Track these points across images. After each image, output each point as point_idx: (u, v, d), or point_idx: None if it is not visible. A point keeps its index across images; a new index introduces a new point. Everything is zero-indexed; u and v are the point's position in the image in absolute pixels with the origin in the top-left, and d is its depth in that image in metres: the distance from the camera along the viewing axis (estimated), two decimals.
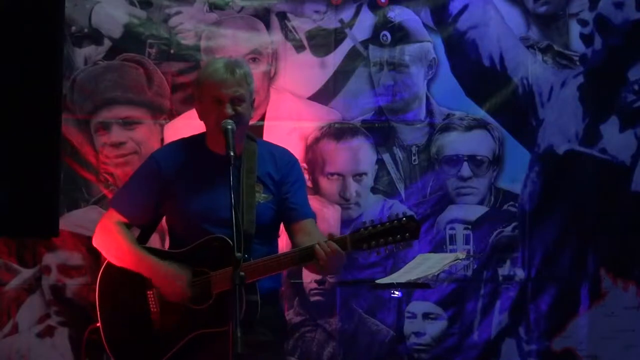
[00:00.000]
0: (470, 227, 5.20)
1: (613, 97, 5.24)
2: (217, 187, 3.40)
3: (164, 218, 3.62)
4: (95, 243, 3.59)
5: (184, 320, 3.40)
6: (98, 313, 3.53)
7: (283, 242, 3.72)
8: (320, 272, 3.46)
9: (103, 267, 3.56)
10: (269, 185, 3.50)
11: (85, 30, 5.06)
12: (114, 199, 3.69)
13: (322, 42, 5.18)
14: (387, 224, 3.29)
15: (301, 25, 5.17)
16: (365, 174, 5.18)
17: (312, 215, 3.61)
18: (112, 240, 3.52)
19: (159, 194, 3.50)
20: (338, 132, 5.18)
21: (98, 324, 3.52)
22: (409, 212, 3.41)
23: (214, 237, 3.38)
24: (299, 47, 5.17)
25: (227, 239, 3.29)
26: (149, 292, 3.45)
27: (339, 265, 3.37)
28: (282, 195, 3.52)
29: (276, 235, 3.61)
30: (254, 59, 5.12)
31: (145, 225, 3.62)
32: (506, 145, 5.23)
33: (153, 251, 3.53)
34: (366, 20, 5.20)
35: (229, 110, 3.38)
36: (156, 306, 3.44)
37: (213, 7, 5.14)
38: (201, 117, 3.51)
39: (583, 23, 5.25)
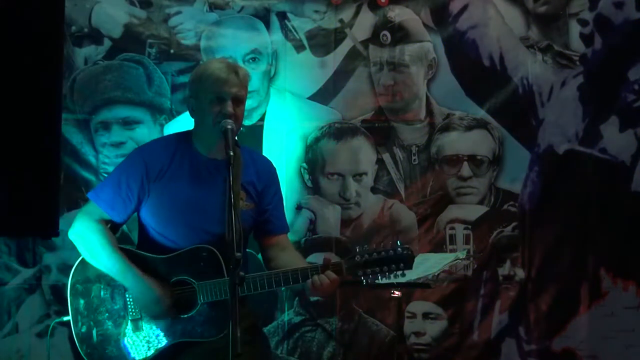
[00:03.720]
0: (470, 227, 5.20)
1: (613, 97, 5.23)
2: (200, 188, 3.39)
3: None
4: (72, 237, 3.48)
5: (166, 327, 3.38)
6: (69, 308, 3.46)
7: None
8: (313, 294, 3.47)
9: (78, 261, 3.48)
10: (252, 194, 3.48)
11: (85, 30, 5.06)
12: (96, 192, 3.53)
13: (322, 42, 5.18)
14: (383, 252, 3.31)
15: (301, 25, 5.17)
16: (365, 173, 5.18)
17: (288, 229, 3.63)
18: (94, 242, 3.43)
19: (142, 191, 3.44)
20: (338, 132, 5.18)
21: (65, 318, 3.48)
22: (405, 245, 3.39)
23: (202, 247, 3.35)
24: (299, 47, 5.17)
25: (216, 251, 3.29)
26: (128, 295, 3.43)
27: (332, 292, 3.39)
28: (262, 205, 3.50)
29: (247, 244, 3.56)
30: (254, 59, 5.12)
31: (120, 222, 3.52)
32: (506, 145, 5.23)
33: (137, 257, 3.45)
34: (366, 20, 5.20)
35: (230, 109, 3.35)
36: (136, 310, 3.42)
37: (213, 7, 5.14)
38: (194, 114, 3.46)
39: (583, 23, 5.24)
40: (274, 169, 3.62)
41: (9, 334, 4.96)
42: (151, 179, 3.44)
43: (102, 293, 3.45)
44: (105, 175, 4.96)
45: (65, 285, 4.87)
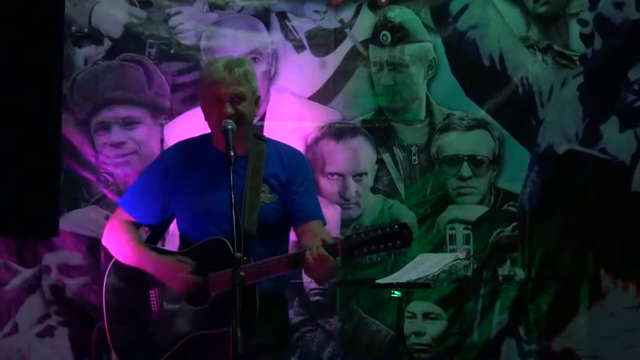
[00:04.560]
0: (470, 227, 5.20)
1: (613, 97, 5.23)
2: (222, 185, 3.40)
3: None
4: (104, 242, 3.65)
5: (183, 320, 3.41)
6: (104, 312, 3.57)
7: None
8: (310, 277, 3.46)
9: (110, 266, 3.60)
10: (275, 186, 3.49)
11: (85, 30, 5.06)
12: (122, 198, 3.72)
13: (322, 42, 5.18)
14: (379, 231, 3.27)
15: (301, 25, 5.17)
16: (365, 174, 5.18)
17: (320, 216, 3.59)
18: (117, 239, 3.57)
19: (165, 193, 3.53)
20: (338, 132, 5.18)
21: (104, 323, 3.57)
22: (403, 220, 3.39)
23: (214, 239, 3.38)
24: (299, 47, 5.17)
25: (227, 241, 3.29)
26: (151, 292, 3.48)
27: (328, 273, 3.35)
28: (289, 196, 3.50)
29: (284, 237, 3.59)
30: (254, 59, 5.11)
31: (155, 226, 3.65)
32: (506, 145, 5.23)
33: (156, 250, 3.58)
34: (366, 20, 5.20)
35: (229, 110, 3.38)
36: (157, 306, 3.46)
37: (213, 7, 5.13)
38: (205, 117, 3.52)
39: (583, 23, 5.24)
40: (302, 159, 3.66)
41: (9, 334, 4.95)
42: (173, 181, 3.52)
43: (129, 292, 3.53)
44: (106, 175, 4.99)
45: (65, 285, 4.95)
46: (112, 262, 3.60)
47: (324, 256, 3.25)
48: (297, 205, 3.52)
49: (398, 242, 3.25)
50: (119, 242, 3.56)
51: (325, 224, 3.59)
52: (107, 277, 3.59)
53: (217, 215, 3.40)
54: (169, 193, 3.53)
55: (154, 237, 3.68)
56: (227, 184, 3.24)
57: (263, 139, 3.58)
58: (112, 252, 3.60)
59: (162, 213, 3.58)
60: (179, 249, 3.59)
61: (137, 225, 3.60)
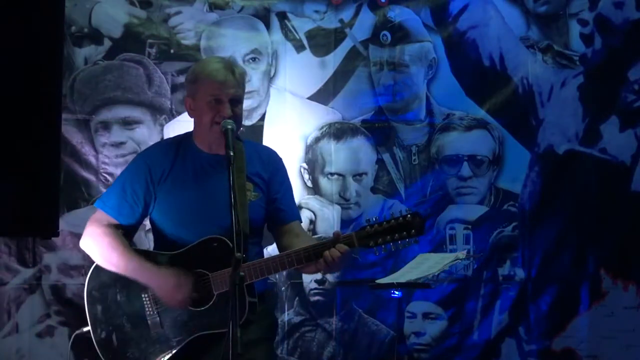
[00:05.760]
0: (470, 227, 5.20)
1: (613, 97, 5.24)
2: (207, 185, 3.39)
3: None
4: (84, 246, 3.49)
5: (184, 322, 3.37)
6: (87, 316, 3.46)
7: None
8: (324, 270, 3.43)
9: (92, 269, 3.48)
10: (259, 184, 3.48)
11: (85, 30, 5.06)
12: (102, 200, 3.54)
13: (322, 42, 5.18)
14: (393, 220, 3.28)
15: (301, 25, 5.18)
16: (365, 173, 5.18)
17: (299, 217, 3.61)
18: (104, 245, 3.43)
19: (148, 194, 3.44)
20: (338, 132, 5.18)
21: (85, 329, 3.46)
22: (414, 209, 3.36)
23: (212, 238, 3.35)
24: (299, 47, 5.17)
25: (226, 239, 3.27)
26: (144, 296, 3.41)
27: (344, 265, 3.36)
28: (271, 195, 3.50)
29: (262, 235, 3.57)
30: (254, 59, 5.12)
31: (131, 227, 3.52)
32: (506, 145, 5.23)
33: (149, 255, 3.46)
34: (366, 20, 5.20)
35: (229, 112, 3.37)
36: (153, 309, 3.40)
37: (213, 7, 5.14)
38: (193, 114, 3.47)
39: (583, 23, 5.25)
40: (280, 158, 3.62)
41: (9, 334, 4.95)
42: (155, 182, 3.44)
43: (118, 297, 3.43)
44: (106, 175, 4.98)
45: (65, 285, 4.95)
46: (93, 267, 3.47)
47: (345, 251, 3.26)
48: (280, 206, 3.51)
49: (412, 231, 3.26)
50: (107, 249, 3.42)
51: (301, 222, 3.61)
52: (89, 280, 3.46)
53: (208, 214, 3.37)
54: (151, 193, 3.45)
55: (127, 237, 3.51)
56: (213, 182, 3.24)
57: (240, 139, 3.56)
58: (97, 258, 3.44)
59: (142, 214, 3.49)
60: (155, 248, 3.50)
61: (117, 227, 3.46)
